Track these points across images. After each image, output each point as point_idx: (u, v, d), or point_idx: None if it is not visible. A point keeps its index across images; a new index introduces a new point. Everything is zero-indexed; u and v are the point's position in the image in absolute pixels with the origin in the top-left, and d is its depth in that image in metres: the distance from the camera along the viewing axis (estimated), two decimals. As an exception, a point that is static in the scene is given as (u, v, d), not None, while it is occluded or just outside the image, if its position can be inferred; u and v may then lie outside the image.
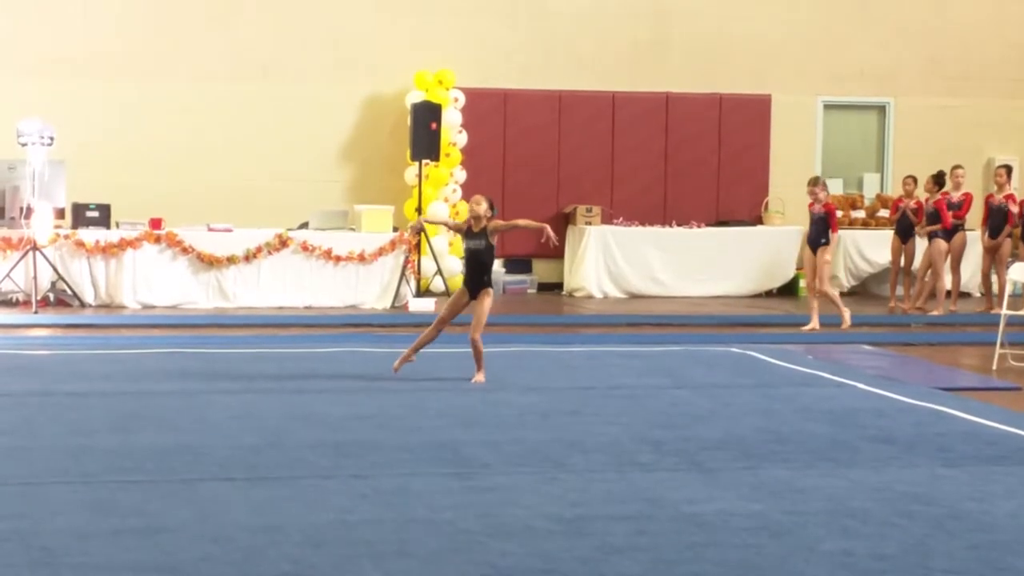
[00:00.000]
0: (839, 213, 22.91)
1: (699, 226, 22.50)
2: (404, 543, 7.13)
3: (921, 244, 20.25)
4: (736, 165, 23.24)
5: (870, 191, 23.90)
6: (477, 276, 12.55)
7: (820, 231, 17.82)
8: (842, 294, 22.48)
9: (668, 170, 23.15)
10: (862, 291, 22.90)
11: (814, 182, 18.03)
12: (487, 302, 12.50)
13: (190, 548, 6.97)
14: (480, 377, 12.60)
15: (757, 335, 17.13)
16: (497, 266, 22.27)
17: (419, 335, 12.73)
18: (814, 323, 17.78)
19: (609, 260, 21.96)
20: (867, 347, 16.06)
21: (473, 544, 7.13)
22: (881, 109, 24.21)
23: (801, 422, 10.90)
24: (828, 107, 24.00)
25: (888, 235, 20.97)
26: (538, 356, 14.70)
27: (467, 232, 12.61)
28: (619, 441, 9.94)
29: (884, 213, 22.67)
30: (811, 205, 17.96)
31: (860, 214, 23.23)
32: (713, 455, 9.48)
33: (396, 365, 12.59)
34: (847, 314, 17.87)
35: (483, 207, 12.52)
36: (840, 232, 22.45)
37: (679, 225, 22.52)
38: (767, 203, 23.00)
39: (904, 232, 20.38)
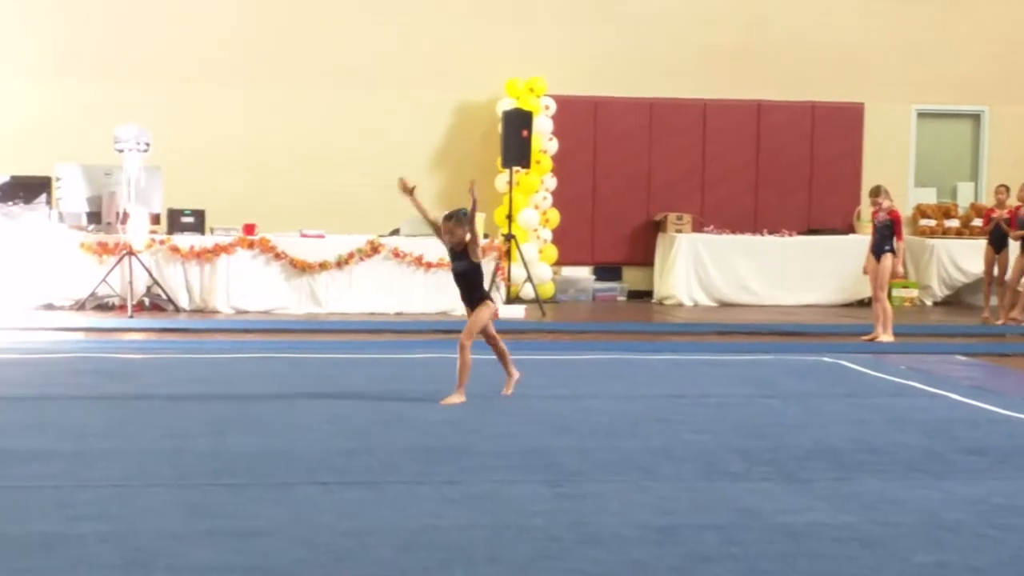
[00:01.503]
0: (932, 222, 22.81)
1: (790, 235, 22.40)
2: (495, 549, 7.15)
3: (1015, 254, 20.04)
4: (828, 173, 23.13)
5: (964, 200, 23.69)
6: (468, 295, 12.00)
7: (884, 238, 17.60)
8: (935, 304, 22.40)
9: (759, 178, 23.09)
10: (956, 301, 22.71)
11: (876, 192, 17.72)
12: (483, 311, 11.91)
13: (282, 551, 7.02)
14: (456, 398, 11.87)
15: (848, 345, 17.01)
16: (586, 273, 22.38)
17: (497, 360, 12.46)
18: (878, 332, 17.55)
19: (699, 268, 21.90)
20: (960, 357, 15.91)
21: (564, 551, 7.14)
22: (975, 118, 24.01)
23: (894, 433, 10.82)
24: (922, 115, 23.83)
25: (982, 245, 20.76)
26: (628, 364, 14.68)
27: (450, 252, 11.99)
28: (709, 450, 9.92)
29: (978, 223, 22.45)
30: (875, 214, 17.72)
31: (954, 223, 23.04)
32: (804, 465, 9.44)
33: (508, 392, 12.27)
34: (881, 333, 17.56)
35: (462, 230, 11.77)
36: (933, 242, 22.35)
37: (770, 233, 22.43)
38: (859, 212, 22.85)
39: (997, 242, 20.18)
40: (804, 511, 8.12)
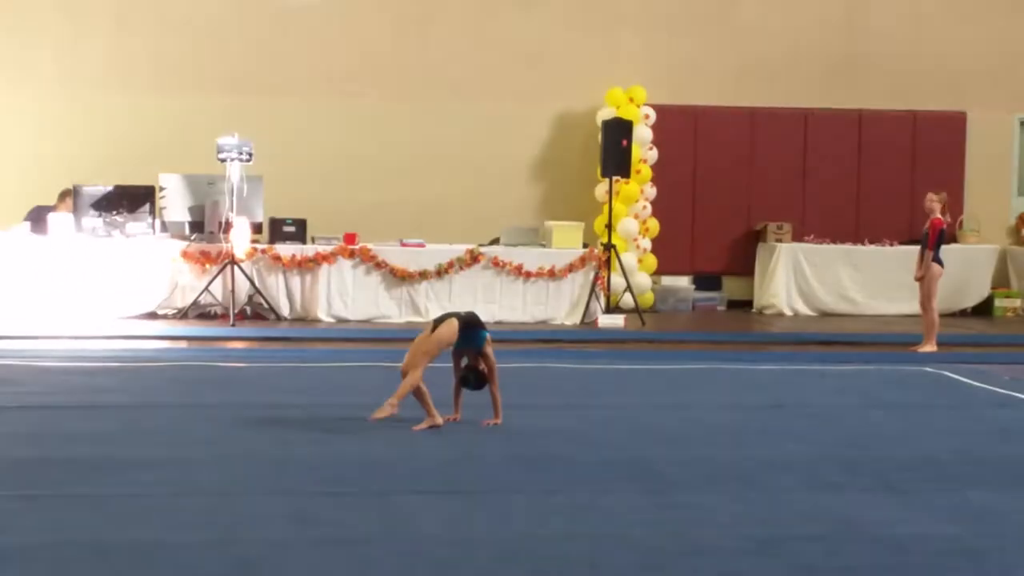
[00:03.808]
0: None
1: (892, 244, 22.20)
2: (595, 559, 7.14)
3: None
4: (930, 183, 22.75)
5: (1067, 209, 23.43)
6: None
7: (924, 246, 17.44)
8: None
9: (860, 187, 22.91)
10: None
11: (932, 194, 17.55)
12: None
13: (384, 560, 7.06)
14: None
15: (952, 355, 16.84)
16: (686, 282, 22.37)
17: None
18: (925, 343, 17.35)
19: (799, 277, 21.78)
20: (1066, 368, 15.72)
21: (665, 562, 7.13)
22: (1081, 127, 23.72)
23: (998, 444, 10.71)
24: (1025, 124, 23.60)
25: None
26: (728, 373, 14.62)
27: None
28: (810, 460, 9.86)
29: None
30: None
31: (1057, 235, 22.80)
32: (907, 476, 9.36)
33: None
34: (928, 344, 17.27)
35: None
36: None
37: (871, 243, 22.26)
38: (962, 221, 22.63)
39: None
40: (908, 523, 8.05)
